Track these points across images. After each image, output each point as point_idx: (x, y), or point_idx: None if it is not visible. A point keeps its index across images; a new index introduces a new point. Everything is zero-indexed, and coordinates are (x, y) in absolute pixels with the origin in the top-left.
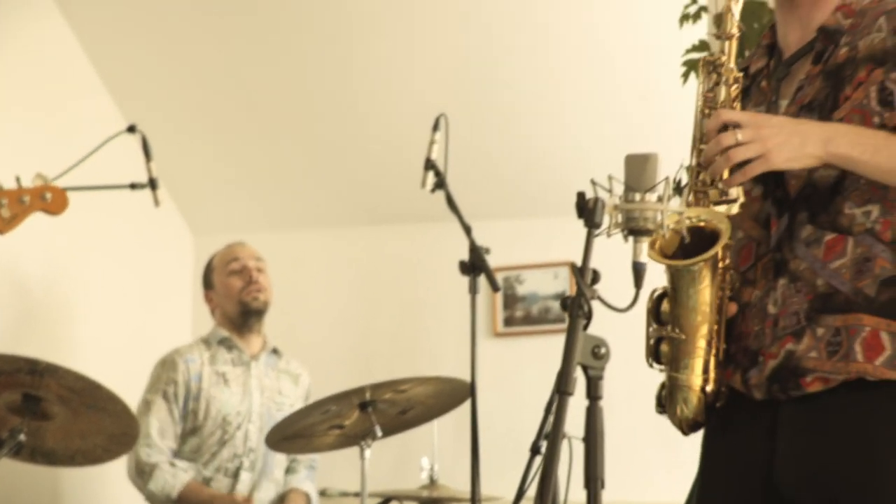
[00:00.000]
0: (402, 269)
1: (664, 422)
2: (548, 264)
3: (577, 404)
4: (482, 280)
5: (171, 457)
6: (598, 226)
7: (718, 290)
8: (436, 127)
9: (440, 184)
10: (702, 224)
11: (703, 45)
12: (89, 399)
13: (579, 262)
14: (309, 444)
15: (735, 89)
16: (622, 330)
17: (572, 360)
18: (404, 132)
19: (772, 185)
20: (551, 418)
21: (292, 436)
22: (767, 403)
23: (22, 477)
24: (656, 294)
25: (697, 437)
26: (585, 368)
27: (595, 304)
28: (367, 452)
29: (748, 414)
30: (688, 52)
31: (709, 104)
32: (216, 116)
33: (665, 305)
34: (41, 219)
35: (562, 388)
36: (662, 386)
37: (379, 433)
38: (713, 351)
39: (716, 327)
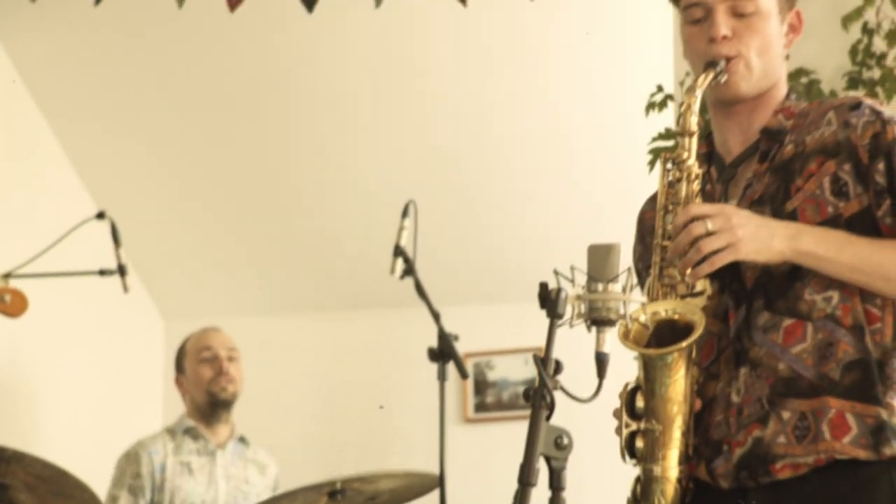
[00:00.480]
0: (371, 355)
1: None
2: (518, 350)
3: (541, 495)
4: (452, 366)
5: None
6: (560, 316)
7: (693, 382)
8: (405, 213)
9: (409, 270)
10: (676, 317)
11: (669, 134)
12: (56, 487)
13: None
14: None
15: (696, 185)
16: (587, 419)
17: (534, 451)
18: (374, 218)
19: (728, 279)
20: None
21: None
22: (734, 493)
23: None
24: (630, 387)
25: None
26: (548, 459)
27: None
28: None
29: None
30: (654, 139)
31: (671, 200)
32: (187, 201)
33: (639, 399)
34: None
35: (524, 479)
36: (637, 480)
37: None
38: (688, 442)
39: (690, 419)
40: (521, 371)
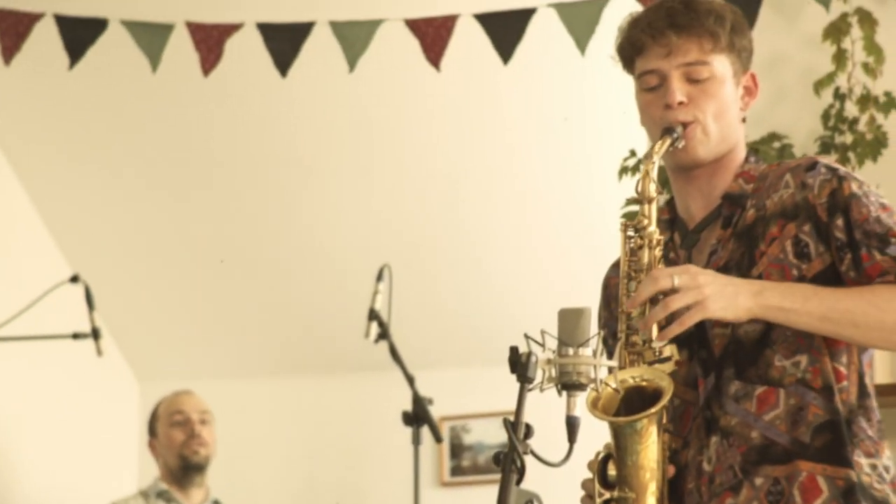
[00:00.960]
0: (346, 419)
1: None
2: (494, 413)
3: None
4: (428, 430)
5: None
6: (530, 380)
7: (664, 448)
8: (379, 277)
9: (383, 334)
10: (644, 384)
11: None
12: None
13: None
14: None
15: (658, 251)
16: (559, 483)
17: None
18: (348, 282)
19: (696, 347)
20: None
21: None
22: None
23: None
24: (601, 456)
25: None
26: None
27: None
28: None
29: None
30: (627, 203)
31: (633, 268)
32: (163, 264)
33: (611, 467)
34: None
35: None
36: None
37: None
38: None
39: (663, 485)
40: (497, 435)
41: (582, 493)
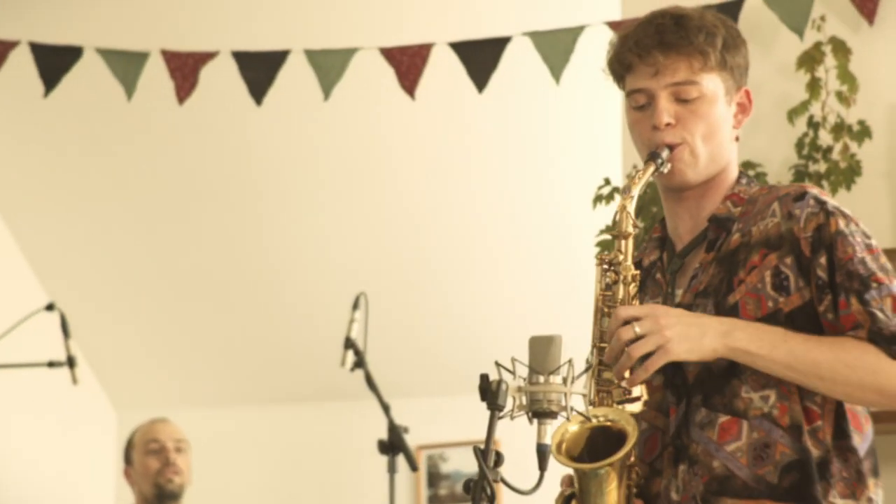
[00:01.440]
0: (322, 448)
1: None
2: (472, 442)
3: None
4: (404, 459)
5: None
6: (501, 408)
7: (626, 490)
8: (355, 306)
9: (359, 363)
10: (608, 424)
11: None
12: None
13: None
14: None
15: (633, 287)
16: None
17: None
18: (324, 311)
19: (671, 374)
20: None
21: None
22: None
23: None
24: (565, 494)
25: None
26: None
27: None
28: None
29: None
30: (602, 232)
31: (607, 303)
32: (139, 292)
33: None
34: None
35: None
36: None
37: None
38: None
39: None
40: (474, 463)
41: None
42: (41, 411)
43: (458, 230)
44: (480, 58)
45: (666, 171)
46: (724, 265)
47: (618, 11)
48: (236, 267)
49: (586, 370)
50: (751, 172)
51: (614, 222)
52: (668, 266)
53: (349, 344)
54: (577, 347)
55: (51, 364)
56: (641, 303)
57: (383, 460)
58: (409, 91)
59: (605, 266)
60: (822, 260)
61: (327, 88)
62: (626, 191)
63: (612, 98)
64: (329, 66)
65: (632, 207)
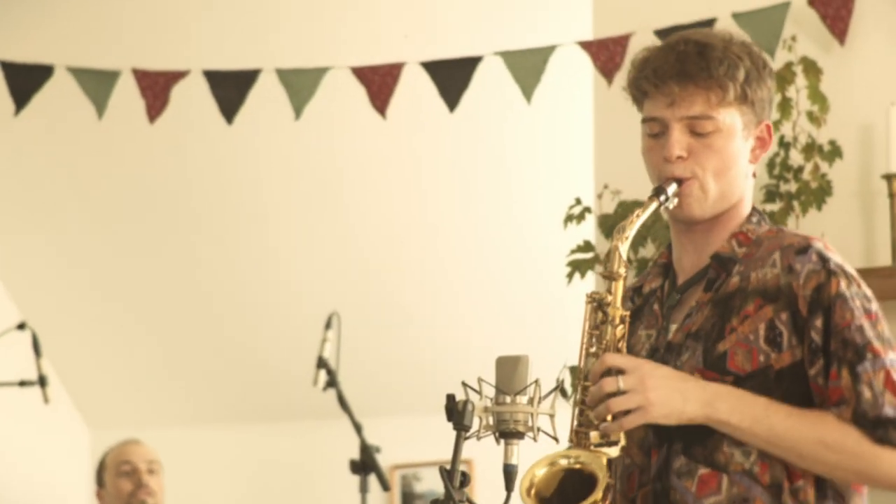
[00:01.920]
0: (295, 467)
1: None
2: (447, 462)
3: None
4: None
5: None
6: (467, 428)
7: None
8: (328, 325)
9: (332, 382)
10: (578, 466)
11: (587, 246)
12: None
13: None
14: None
15: (621, 330)
16: None
17: None
18: (297, 330)
19: None
20: None
21: None
22: None
23: None
24: None
25: None
26: None
27: None
28: None
29: None
30: (573, 252)
31: (594, 343)
32: (113, 311)
33: None
34: None
35: None
36: None
37: None
38: None
39: None
40: None
41: None
42: (13, 431)
43: (430, 250)
44: (452, 77)
45: (672, 206)
46: (719, 309)
47: (589, 31)
48: (209, 285)
49: (553, 390)
50: None
51: (606, 261)
52: (666, 300)
53: (322, 363)
54: (545, 368)
55: (22, 383)
56: (635, 332)
57: (355, 480)
58: (380, 110)
59: (595, 304)
60: (818, 323)
61: (298, 108)
62: (619, 231)
63: (584, 118)
64: (300, 85)
65: (624, 248)
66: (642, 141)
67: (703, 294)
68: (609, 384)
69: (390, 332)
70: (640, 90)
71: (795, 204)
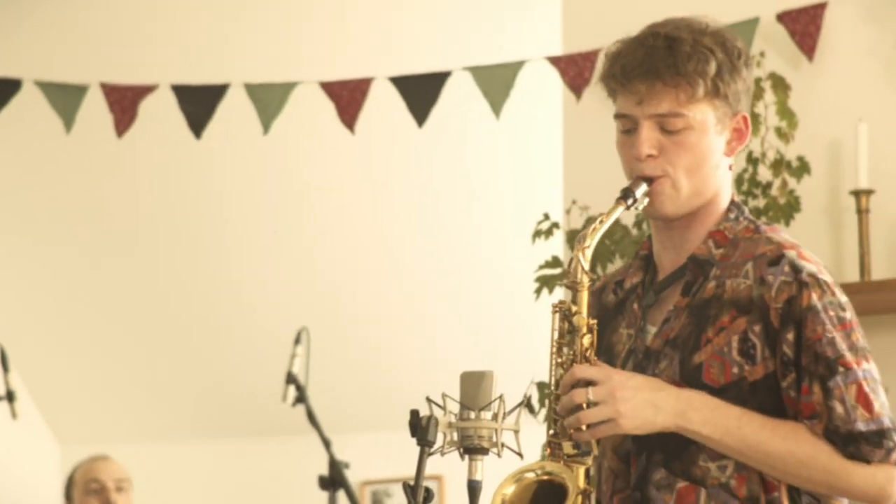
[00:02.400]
0: (264, 483)
1: None
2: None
3: None
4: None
5: None
6: (431, 444)
7: None
8: (297, 340)
9: (301, 398)
10: (546, 477)
11: (556, 262)
12: None
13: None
14: None
15: (588, 339)
16: None
17: None
18: (266, 345)
19: None
20: None
21: None
22: None
23: None
24: None
25: None
26: None
27: None
28: None
29: None
30: (541, 267)
31: (563, 353)
32: (82, 327)
33: None
34: None
35: None
36: None
37: None
38: None
39: None
40: None
41: None
42: None
43: (398, 265)
44: (420, 92)
45: (640, 208)
46: (695, 317)
47: (558, 47)
48: (178, 301)
49: (518, 406)
50: None
51: (568, 272)
52: (644, 299)
53: (291, 379)
54: (513, 383)
55: None
56: (617, 329)
57: (324, 496)
58: (348, 125)
59: (561, 315)
60: (790, 336)
61: (267, 122)
62: (580, 240)
63: (552, 133)
64: (268, 99)
65: (585, 259)
66: (617, 137)
67: (681, 298)
68: (579, 395)
69: (359, 347)
70: (608, 87)
71: (763, 220)
